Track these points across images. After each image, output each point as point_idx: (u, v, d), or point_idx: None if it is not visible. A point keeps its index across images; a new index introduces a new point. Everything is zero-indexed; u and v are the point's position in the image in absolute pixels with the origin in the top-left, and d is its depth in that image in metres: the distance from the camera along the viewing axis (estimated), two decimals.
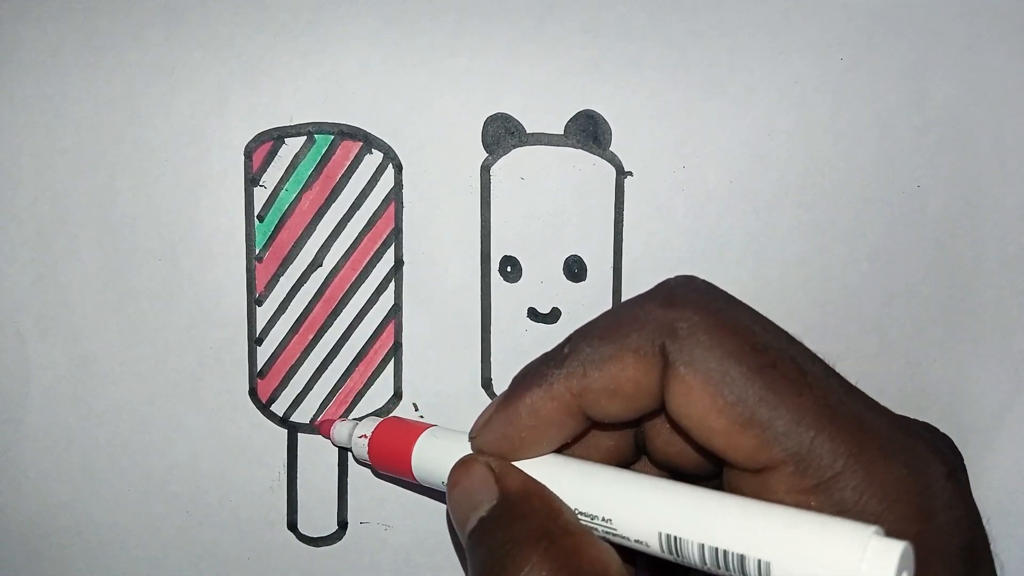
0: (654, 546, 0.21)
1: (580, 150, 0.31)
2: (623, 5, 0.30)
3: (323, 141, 0.31)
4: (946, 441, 0.22)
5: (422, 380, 0.32)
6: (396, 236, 0.32)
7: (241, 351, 0.32)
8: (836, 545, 0.18)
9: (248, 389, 0.32)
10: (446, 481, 0.25)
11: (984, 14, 0.30)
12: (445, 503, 0.32)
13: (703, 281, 0.23)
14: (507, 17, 0.31)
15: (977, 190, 0.30)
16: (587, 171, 0.31)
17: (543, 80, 0.31)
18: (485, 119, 0.31)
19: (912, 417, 0.23)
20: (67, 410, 0.33)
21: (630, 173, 0.31)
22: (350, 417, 0.32)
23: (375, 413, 0.32)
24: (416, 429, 0.28)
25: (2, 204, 0.32)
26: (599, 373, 0.22)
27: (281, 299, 0.32)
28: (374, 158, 0.31)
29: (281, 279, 0.32)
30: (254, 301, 0.32)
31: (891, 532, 0.19)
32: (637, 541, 0.22)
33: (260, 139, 0.31)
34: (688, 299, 0.22)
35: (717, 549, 0.20)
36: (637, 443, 0.25)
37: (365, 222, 0.32)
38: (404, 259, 0.32)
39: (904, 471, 0.20)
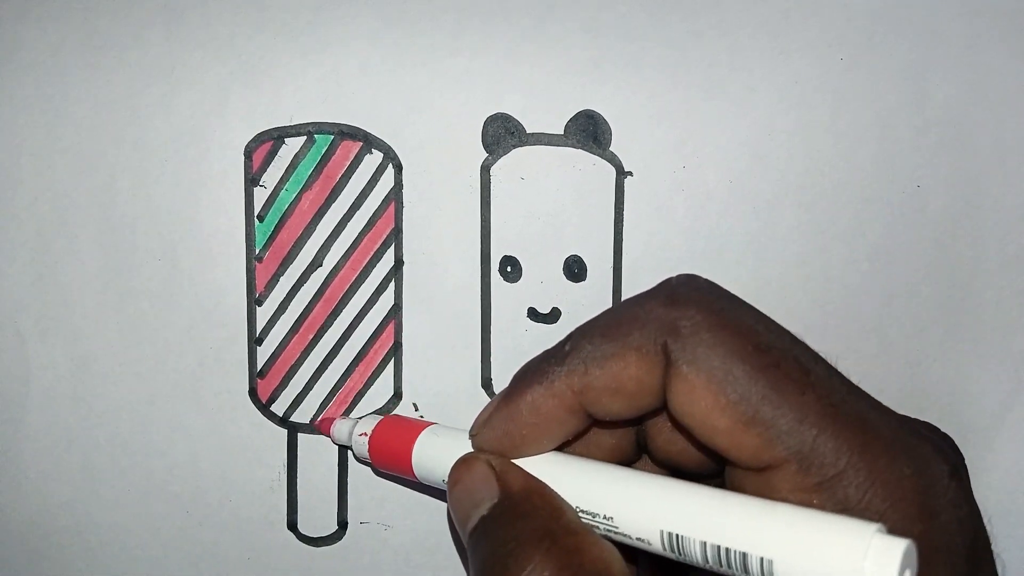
0: (656, 544, 0.21)
1: (580, 150, 0.31)
2: (623, 5, 0.30)
3: (323, 141, 0.31)
4: (948, 441, 0.22)
5: (422, 380, 0.32)
6: (396, 236, 0.32)
7: (241, 351, 0.32)
8: (839, 543, 0.18)
9: (248, 389, 0.32)
10: (446, 479, 0.25)
11: (984, 14, 0.30)
12: (445, 501, 0.32)
13: (705, 280, 0.23)
14: (507, 17, 0.31)
15: (977, 190, 0.30)
16: (587, 171, 0.31)
17: (543, 80, 0.31)
18: (485, 119, 0.31)
19: (912, 417, 0.23)
20: (67, 410, 0.33)
21: (630, 173, 0.31)
22: (350, 416, 0.32)
23: (375, 413, 0.32)
24: (416, 427, 0.28)
25: (2, 204, 0.32)
26: (601, 371, 0.22)
27: (281, 299, 0.32)
28: (374, 158, 0.31)
29: (281, 279, 0.32)
30: (254, 301, 0.32)
31: (894, 531, 0.19)
32: (639, 539, 0.22)
33: (260, 139, 0.31)
34: (690, 298, 0.22)
35: (719, 547, 0.20)
36: (638, 442, 0.25)
37: (365, 222, 0.32)
38: (404, 259, 0.32)
39: (907, 470, 0.20)
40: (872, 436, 0.20)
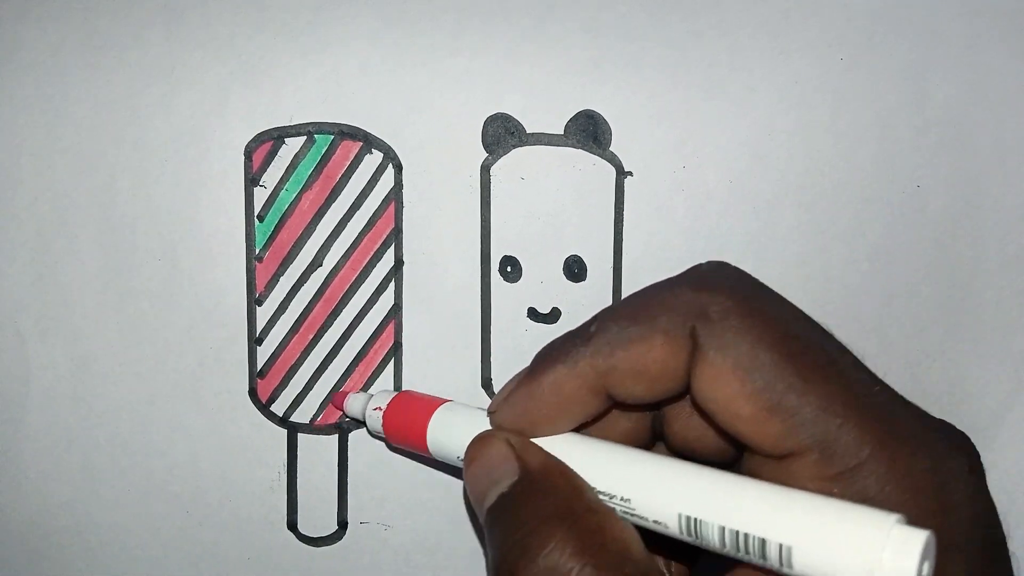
0: (673, 527, 0.21)
1: (580, 150, 0.31)
2: (623, 5, 0.30)
3: (323, 141, 0.31)
4: (965, 439, 0.22)
5: (422, 380, 0.32)
6: (396, 236, 0.32)
7: (241, 351, 0.32)
8: (859, 532, 0.18)
9: (248, 389, 0.32)
10: (462, 456, 0.25)
11: (984, 14, 0.30)
12: (446, 499, 0.32)
13: (734, 267, 0.23)
14: (507, 17, 0.31)
15: (977, 190, 0.30)
16: (587, 171, 0.31)
17: (543, 80, 0.31)
18: (485, 119, 0.31)
19: (931, 415, 0.23)
20: (67, 410, 0.33)
21: (630, 173, 0.31)
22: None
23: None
24: (432, 403, 0.28)
25: (2, 204, 0.32)
26: (626, 353, 0.22)
27: (281, 299, 0.32)
28: (374, 158, 0.31)
29: (281, 279, 0.32)
30: (254, 301, 0.32)
31: (913, 523, 0.19)
32: (656, 522, 0.22)
33: (260, 139, 0.31)
34: (720, 284, 0.22)
35: (738, 532, 0.20)
36: (655, 428, 0.25)
37: (365, 222, 0.32)
38: (404, 259, 0.32)
39: (928, 463, 0.20)
40: (894, 429, 0.20)
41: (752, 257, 0.31)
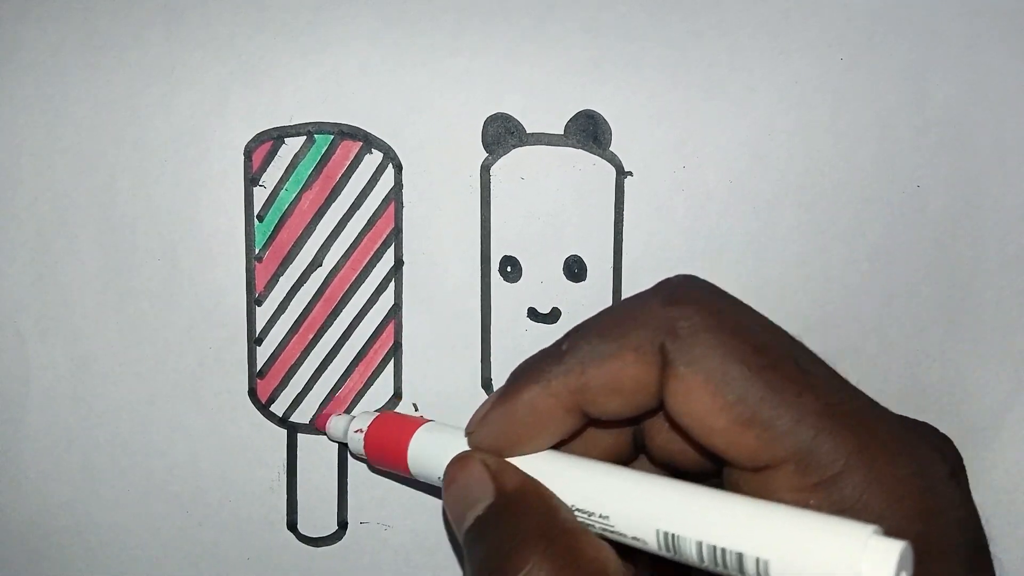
0: (652, 544, 0.21)
1: (580, 150, 0.31)
2: (623, 5, 0.30)
3: (323, 141, 0.31)
4: (946, 441, 0.22)
5: (422, 380, 0.32)
6: (396, 236, 0.32)
7: (241, 351, 0.32)
8: (835, 544, 0.18)
9: (248, 389, 0.32)
10: (442, 477, 0.25)
11: (984, 14, 0.30)
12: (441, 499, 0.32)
13: (704, 281, 0.23)
14: (507, 17, 0.31)
15: (977, 190, 0.30)
16: (587, 171, 0.31)
17: (543, 80, 0.31)
18: (485, 119, 0.31)
19: (912, 417, 0.23)
20: (67, 410, 0.33)
21: (630, 173, 0.31)
22: (346, 412, 0.32)
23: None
24: (412, 424, 0.28)
25: (2, 204, 0.32)
26: (598, 371, 0.22)
27: (281, 299, 0.32)
28: (374, 158, 0.31)
29: (281, 279, 0.32)
30: (254, 301, 0.32)
31: (893, 531, 0.19)
32: (635, 538, 0.22)
33: (260, 139, 0.31)
34: (689, 298, 0.22)
35: (715, 547, 0.20)
36: (636, 441, 0.25)
37: (365, 222, 0.32)
38: (404, 259, 0.32)
39: (907, 470, 0.20)
40: (870, 436, 0.20)
41: (752, 257, 0.31)
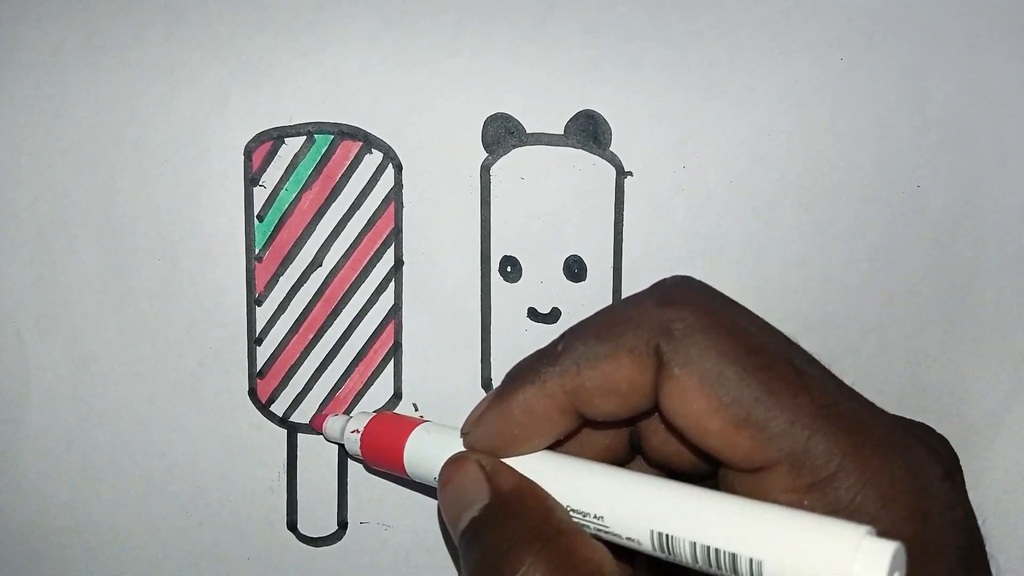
0: (646, 544, 0.21)
1: (580, 150, 0.31)
2: (623, 5, 0.30)
3: (323, 141, 0.31)
4: (943, 442, 0.22)
5: (422, 380, 0.32)
6: (396, 236, 0.32)
7: (241, 351, 0.32)
8: (828, 545, 0.18)
9: (248, 389, 0.32)
10: (438, 478, 0.25)
11: (984, 14, 0.30)
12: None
13: (699, 281, 0.23)
14: (507, 17, 0.31)
15: (977, 190, 0.30)
16: (587, 171, 0.31)
17: (543, 80, 0.31)
18: (485, 119, 0.31)
19: (911, 417, 0.23)
20: (67, 410, 0.33)
21: (630, 173, 0.31)
22: (345, 412, 0.32)
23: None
24: (408, 424, 0.28)
25: (2, 204, 0.32)
26: (593, 372, 0.22)
27: (281, 299, 0.32)
28: (374, 158, 0.31)
29: (281, 279, 0.32)
30: (254, 301, 0.32)
31: (886, 532, 0.19)
32: (629, 539, 0.22)
33: (260, 139, 0.31)
34: (684, 299, 0.22)
35: (709, 548, 0.20)
36: (632, 442, 0.25)
37: (365, 222, 0.32)
38: (404, 259, 0.32)
39: (900, 471, 0.20)
40: (864, 438, 0.20)
41: (752, 257, 0.31)
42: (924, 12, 0.30)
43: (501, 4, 0.31)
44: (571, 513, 0.23)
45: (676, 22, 0.30)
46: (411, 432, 0.28)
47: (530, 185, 0.31)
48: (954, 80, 0.30)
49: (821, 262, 0.31)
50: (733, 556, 0.19)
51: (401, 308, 0.32)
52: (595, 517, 0.22)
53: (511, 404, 0.23)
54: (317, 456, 0.32)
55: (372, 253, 0.32)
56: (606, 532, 0.22)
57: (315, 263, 0.32)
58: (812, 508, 0.20)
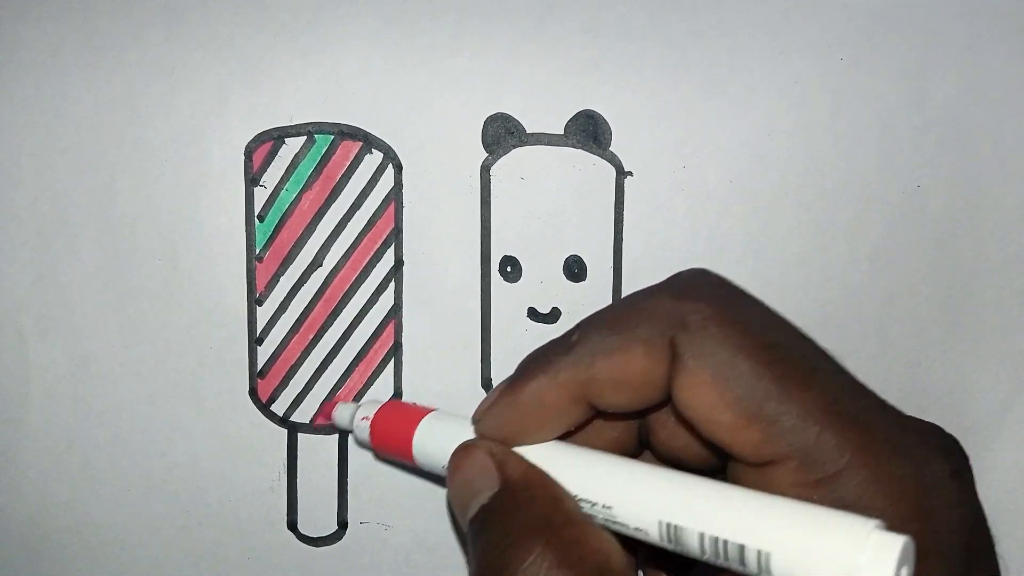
0: (653, 534, 0.21)
1: (580, 150, 0.31)
2: (623, 5, 0.30)
3: (323, 141, 0.31)
4: (952, 441, 0.22)
5: (422, 380, 0.32)
6: (396, 236, 0.32)
7: (241, 351, 0.32)
8: (837, 538, 0.18)
9: (248, 389, 0.32)
10: (446, 466, 0.25)
11: (984, 14, 0.30)
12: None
13: (715, 274, 0.23)
14: (507, 17, 0.31)
15: (977, 190, 0.30)
16: (587, 171, 0.31)
17: (543, 80, 0.31)
18: (485, 119, 0.31)
19: (917, 418, 0.23)
20: (67, 410, 0.33)
21: (630, 173, 0.31)
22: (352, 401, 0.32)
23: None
24: (418, 413, 0.28)
25: (2, 204, 0.32)
26: (606, 363, 0.22)
27: (281, 299, 0.32)
28: (374, 158, 0.31)
29: (281, 279, 0.32)
30: (254, 301, 0.32)
31: (893, 529, 0.19)
32: (637, 529, 0.22)
33: (260, 139, 0.31)
34: (700, 292, 0.22)
35: (717, 539, 0.20)
36: (640, 436, 0.25)
37: (365, 222, 0.32)
38: (404, 259, 0.32)
39: (908, 469, 0.20)
40: (874, 435, 0.20)
41: (752, 257, 0.31)
42: (924, 12, 0.30)
43: (501, 4, 0.31)
44: (580, 503, 0.23)
45: (676, 22, 0.30)
46: (421, 420, 0.28)
47: (530, 185, 0.31)
48: (954, 80, 0.30)
49: (821, 262, 0.31)
50: (741, 548, 0.19)
51: (401, 308, 0.32)
52: (603, 507, 0.22)
53: (523, 393, 0.23)
54: (317, 456, 0.32)
55: (372, 253, 0.32)
56: (614, 522, 0.22)
57: (315, 263, 0.32)
58: (820, 503, 0.20)
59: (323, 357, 0.32)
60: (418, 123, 0.31)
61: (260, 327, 0.32)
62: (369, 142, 0.31)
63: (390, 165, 0.31)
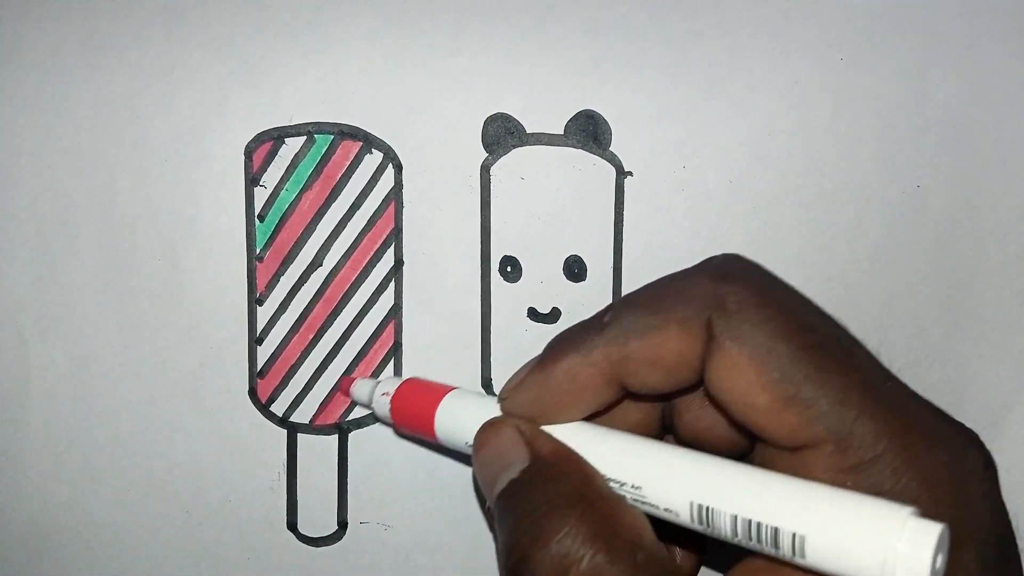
0: (684, 516, 0.21)
1: (580, 150, 0.31)
2: (623, 5, 0.30)
3: (323, 141, 0.31)
4: (977, 437, 0.22)
5: None
6: (396, 236, 0.32)
7: (241, 351, 0.32)
8: (874, 524, 0.18)
9: (248, 389, 0.32)
10: (470, 443, 0.25)
11: (984, 14, 0.30)
12: (446, 499, 0.32)
13: (750, 260, 0.23)
14: (507, 17, 0.31)
15: (977, 190, 0.30)
16: (587, 171, 0.31)
17: (543, 80, 0.31)
18: (485, 119, 0.31)
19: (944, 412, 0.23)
20: (67, 410, 0.33)
21: (630, 173, 0.31)
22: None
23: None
24: (440, 390, 0.28)
25: (2, 204, 0.32)
26: (641, 343, 0.22)
27: (281, 299, 0.32)
28: (374, 158, 0.31)
29: (281, 279, 0.32)
30: (254, 301, 0.32)
31: (927, 516, 0.19)
32: (667, 510, 0.21)
33: (260, 139, 0.31)
34: (738, 275, 0.22)
35: (751, 521, 0.20)
36: (664, 419, 0.25)
37: (365, 222, 0.32)
38: (404, 259, 0.32)
39: (943, 457, 0.20)
40: (910, 422, 0.20)
41: (752, 257, 0.31)
42: (924, 12, 0.30)
43: (501, 4, 0.31)
44: (608, 483, 0.23)
45: (676, 22, 0.30)
46: (443, 397, 0.28)
47: (530, 185, 0.31)
48: (954, 80, 0.30)
49: (821, 262, 0.31)
50: (775, 530, 0.19)
51: (401, 308, 0.32)
52: (632, 487, 0.22)
53: (554, 371, 0.23)
54: (317, 456, 0.32)
55: (372, 253, 0.32)
56: (643, 503, 0.22)
57: (315, 263, 0.32)
58: (854, 489, 0.19)
59: (323, 357, 0.32)
60: (418, 123, 0.31)
61: (260, 327, 0.32)
62: (369, 142, 0.31)
63: (390, 165, 0.31)
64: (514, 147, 0.31)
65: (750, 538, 0.20)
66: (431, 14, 0.31)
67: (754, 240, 0.31)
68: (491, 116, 0.31)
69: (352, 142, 0.31)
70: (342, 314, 0.32)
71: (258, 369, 0.32)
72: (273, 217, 0.32)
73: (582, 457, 0.23)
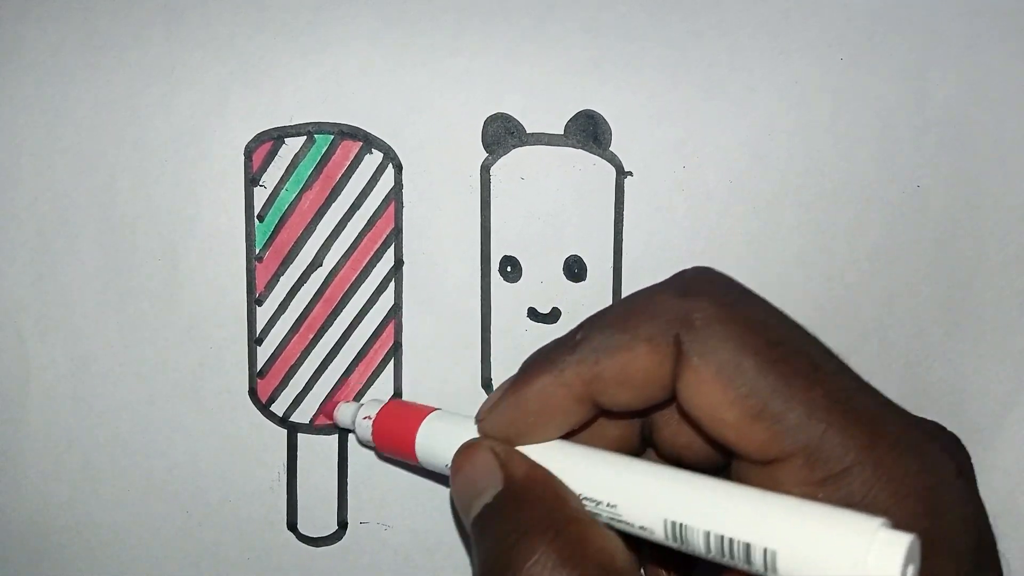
0: (659, 533, 0.21)
1: (580, 150, 0.31)
2: (623, 5, 0.30)
3: (323, 141, 0.31)
4: (954, 440, 0.22)
5: (422, 380, 0.32)
6: (396, 236, 0.32)
7: (241, 351, 0.32)
8: (843, 536, 0.18)
9: (248, 389, 0.32)
10: (449, 465, 0.25)
11: (984, 14, 0.30)
12: (446, 499, 0.32)
13: (719, 273, 0.23)
14: (507, 17, 0.31)
15: (977, 190, 0.30)
16: (587, 171, 0.31)
17: (543, 80, 0.31)
18: (485, 119, 0.31)
19: (920, 416, 0.23)
20: (67, 410, 0.33)
21: (630, 173, 0.31)
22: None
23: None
24: (421, 412, 0.28)
25: (2, 204, 0.32)
26: (611, 361, 0.22)
27: (281, 299, 0.32)
28: (374, 158, 0.31)
29: (281, 279, 0.32)
30: (254, 301, 0.32)
31: (899, 527, 0.19)
32: (642, 528, 0.22)
33: (260, 139, 0.31)
34: (704, 290, 0.22)
35: (723, 537, 0.20)
36: (644, 434, 0.25)
37: (365, 222, 0.32)
38: (404, 259, 0.32)
39: (914, 467, 0.20)
40: (879, 433, 0.20)
41: (752, 257, 0.31)
42: (924, 12, 0.30)
43: (501, 4, 0.31)
44: (584, 502, 0.23)
45: (676, 22, 0.30)
46: (423, 419, 0.28)
47: (530, 185, 0.31)
48: (954, 80, 0.30)
49: (821, 262, 0.31)
50: (747, 546, 0.19)
51: (401, 308, 0.32)
52: (608, 506, 0.22)
53: (528, 392, 0.23)
54: (317, 456, 0.32)
55: (372, 253, 0.32)
56: (618, 521, 0.22)
57: (315, 263, 0.32)
58: (826, 501, 0.20)
59: (323, 357, 0.32)
60: (418, 123, 0.31)
61: (260, 327, 0.32)
62: (369, 142, 0.31)
63: (390, 165, 0.31)
64: (514, 147, 0.31)
65: (723, 554, 0.20)
66: (431, 14, 0.31)
67: (754, 240, 0.31)
68: (491, 116, 0.31)
69: (352, 142, 0.31)
70: (342, 314, 0.32)
71: (258, 369, 0.32)
72: (273, 217, 0.32)
73: (556, 478, 0.23)
